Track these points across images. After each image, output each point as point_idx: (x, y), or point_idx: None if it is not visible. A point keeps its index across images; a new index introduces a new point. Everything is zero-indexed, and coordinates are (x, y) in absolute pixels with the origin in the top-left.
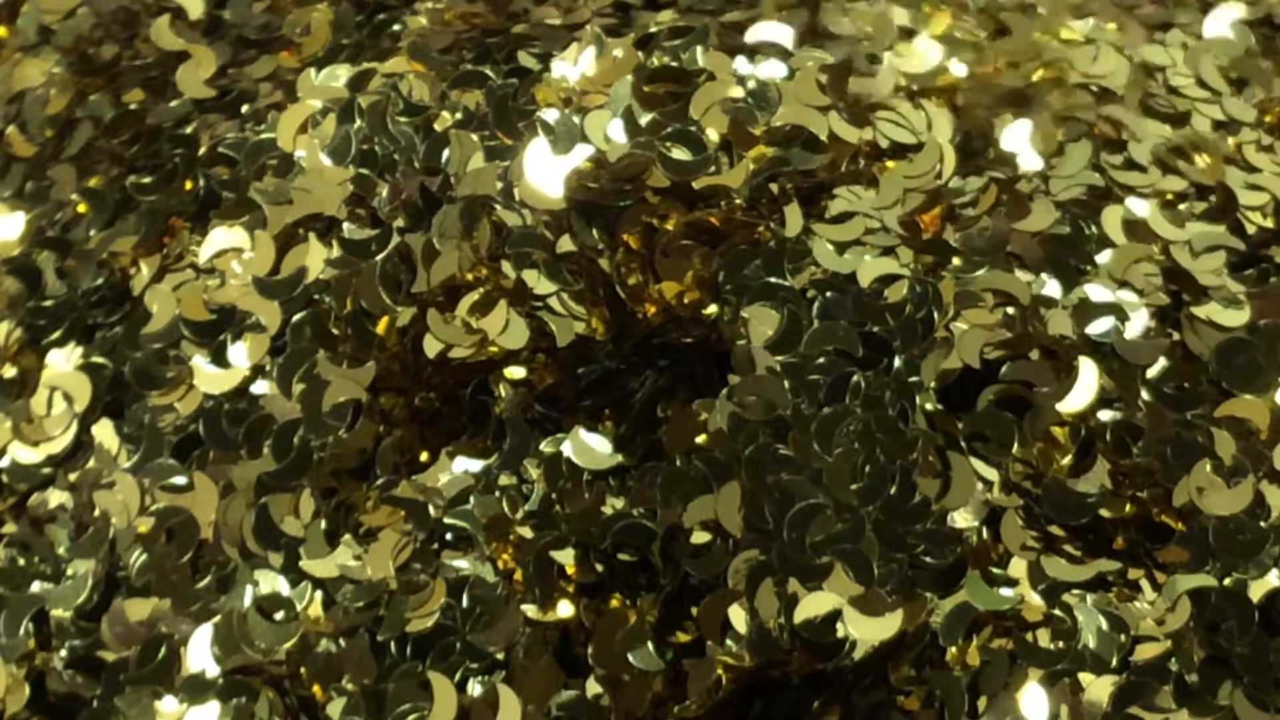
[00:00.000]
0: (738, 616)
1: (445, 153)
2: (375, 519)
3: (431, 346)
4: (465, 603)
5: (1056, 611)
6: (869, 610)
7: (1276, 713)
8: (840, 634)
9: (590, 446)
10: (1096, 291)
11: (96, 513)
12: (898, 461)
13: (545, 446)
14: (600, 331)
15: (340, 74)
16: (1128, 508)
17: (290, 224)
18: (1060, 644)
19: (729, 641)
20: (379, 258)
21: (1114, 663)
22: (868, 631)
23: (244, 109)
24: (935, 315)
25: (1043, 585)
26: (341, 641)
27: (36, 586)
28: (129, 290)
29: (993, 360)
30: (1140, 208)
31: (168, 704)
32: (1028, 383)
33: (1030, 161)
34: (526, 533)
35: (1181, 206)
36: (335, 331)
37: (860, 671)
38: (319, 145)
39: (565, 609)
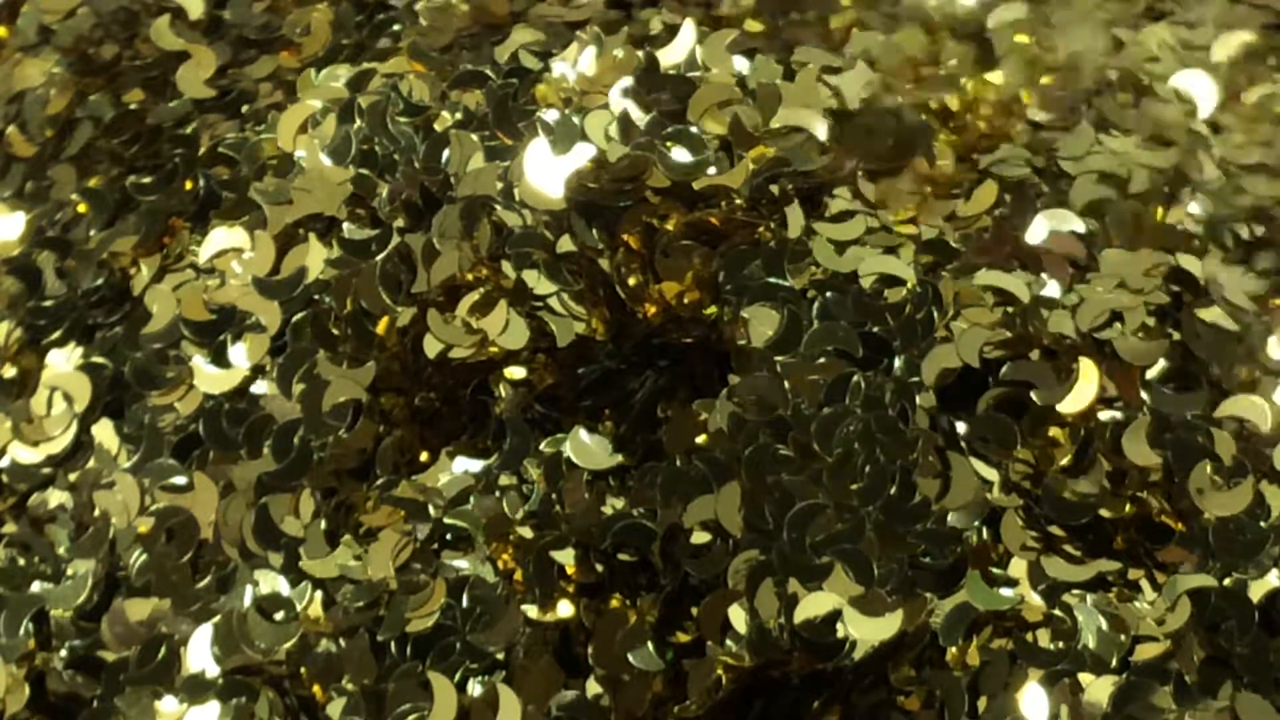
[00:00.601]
0: (738, 616)
1: (445, 153)
2: (375, 519)
3: (431, 346)
4: (465, 603)
5: (1056, 611)
6: (869, 610)
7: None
8: (840, 634)
9: (590, 446)
10: (1096, 291)
11: (96, 513)
12: (898, 461)
13: (545, 446)
14: (600, 331)
15: (340, 74)
16: (1128, 508)
17: (290, 224)
18: (1060, 644)
19: (729, 641)
20: (379, 258)
21: (1114, 663)
22: (868, 631)
23: (244, 109)
24: (935, 315)
25: (1043, 585)
26: (341, 641)
27: (36, 586)
28: (129, 290)
29: (992, 360)
30: None
31: (168, 704)
32: (1028, 383)
33: None
34: (526, 533)
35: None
36: (335, 332)
37: (860, 671)
38: (319, 145)
39: (565, 609)
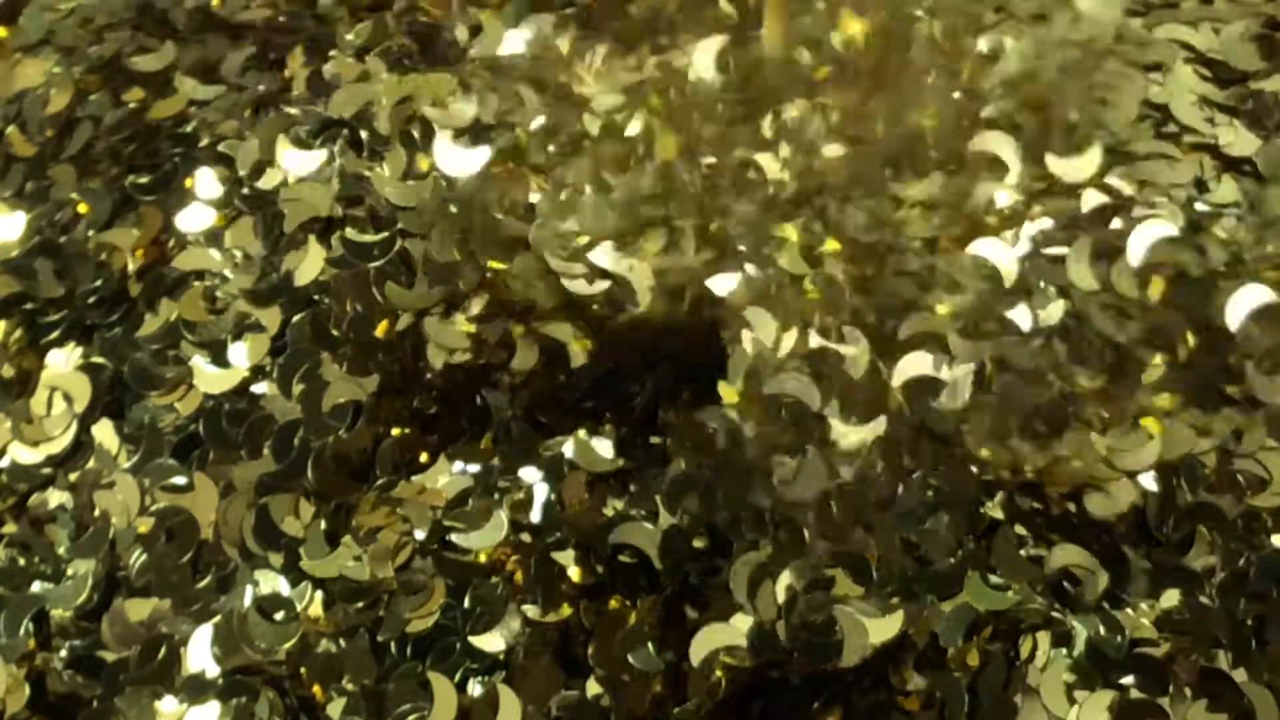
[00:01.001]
0: (738, 620)
1: None
2: (374, 519)
3: (436, 356)
4: (466, 603)
5: (1055, 613)
6: (869, 611)
7: None
8: (840, 635)
9: (592, 448)
10: None
11: (96, 513)
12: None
13: (546, 450)
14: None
15: None
16: None
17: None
18: (1060, 646)
19: None
20: (380, 262)
21: (1113, 665)
22: (869, 632)
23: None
24: None
25: (1042, 586)
26: (341, 641)
27: (36, 586)
28: (128, 290)
29: None
30: None
31: (168, 704)
32: None
33: None
34: (526, 535)
35: None
36: (335, 334)
37: (861, 672)
38: None
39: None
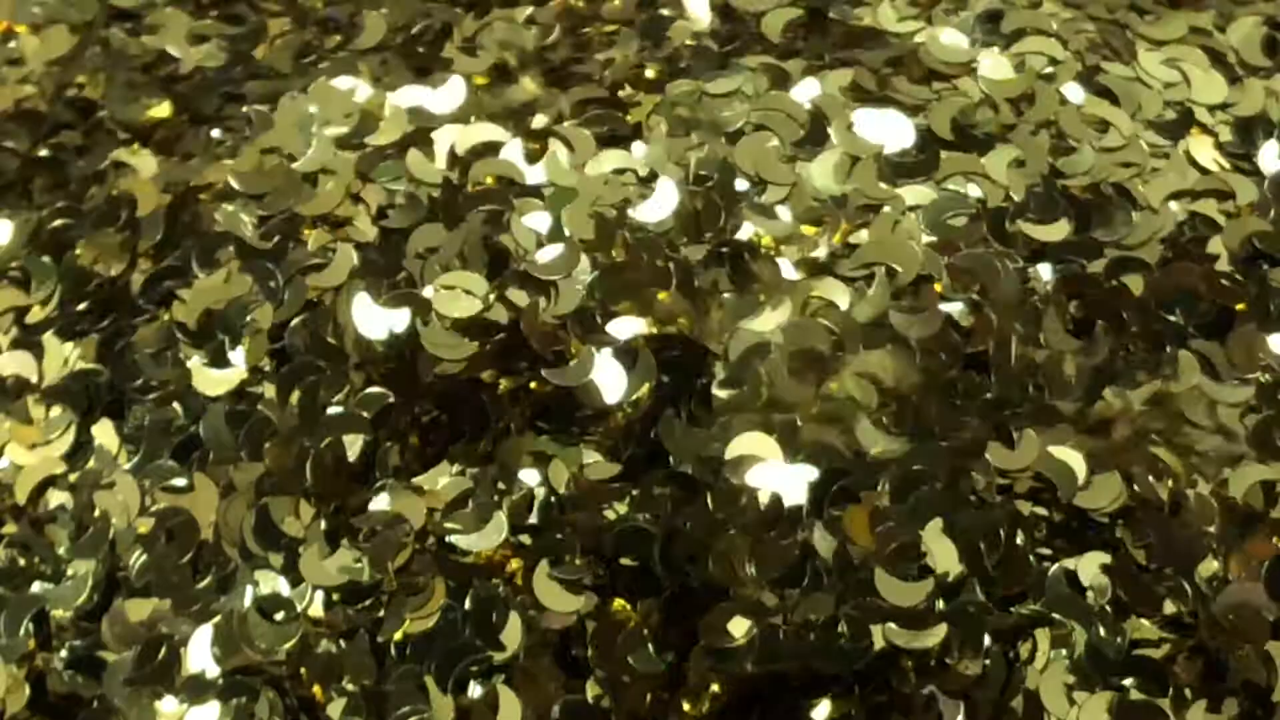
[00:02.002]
0: (738, 625)
1: None
2: (374, 520)
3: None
4: (466, 603)
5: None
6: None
7: None
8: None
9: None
10: None
11: (96, 513)
12: None
13: (549, 452)
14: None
15: None
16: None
17: None
18: (1060, 647)
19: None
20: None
21: (1113, 666)
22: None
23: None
24: None
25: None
26: (341, 642)
27: (36, 586)
28: (123, 294)
29: None
30: None
31: (168, 704)
32: None
33: None
34: (526, 538)
35: None
36: (332, 341)
37: (861, 675)
38: None
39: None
